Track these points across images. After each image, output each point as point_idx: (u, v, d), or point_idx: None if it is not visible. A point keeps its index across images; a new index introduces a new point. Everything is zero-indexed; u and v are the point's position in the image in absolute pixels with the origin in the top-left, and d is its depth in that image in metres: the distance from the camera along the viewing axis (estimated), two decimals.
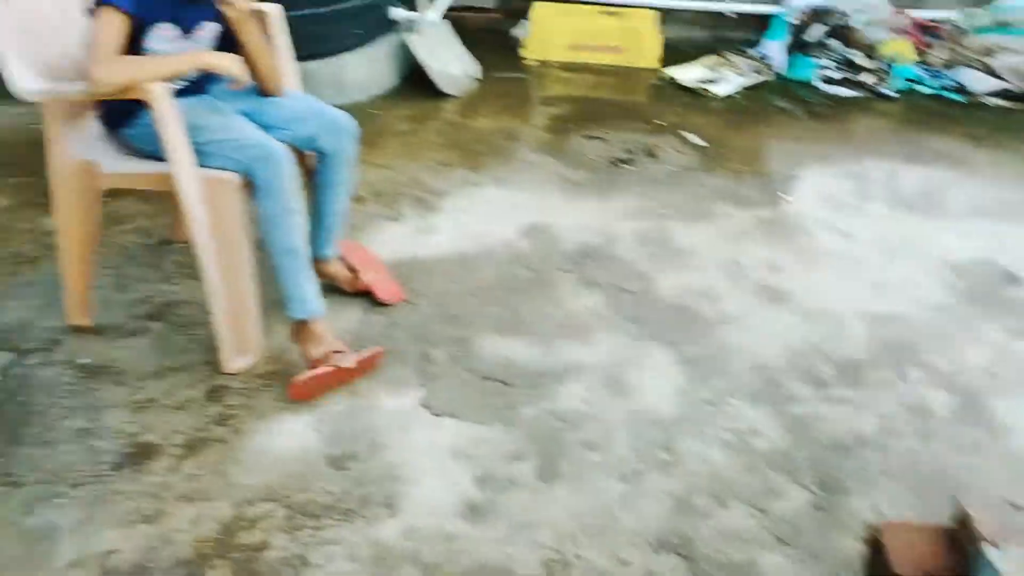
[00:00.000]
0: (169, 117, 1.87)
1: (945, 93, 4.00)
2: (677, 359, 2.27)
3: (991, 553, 1.27)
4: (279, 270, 2.05)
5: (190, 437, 1.95)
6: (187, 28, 2.00)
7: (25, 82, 1.90)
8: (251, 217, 2.03)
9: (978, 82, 3.99)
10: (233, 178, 1.95)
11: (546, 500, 1.84)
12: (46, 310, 2.29)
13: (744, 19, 4.38)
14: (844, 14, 4.11)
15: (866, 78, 4.01)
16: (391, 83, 3.77)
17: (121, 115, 2.05)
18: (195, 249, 2.01)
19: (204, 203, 1.96)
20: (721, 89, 3.92)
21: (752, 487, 1.89)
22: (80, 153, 2.06)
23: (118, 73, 1.84)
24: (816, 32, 4.09)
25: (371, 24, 3.65)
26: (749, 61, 4.14)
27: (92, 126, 2.13)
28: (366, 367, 2.13)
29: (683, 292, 2.53)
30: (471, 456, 1.94)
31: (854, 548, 1.73)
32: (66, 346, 2.19)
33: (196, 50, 2.02)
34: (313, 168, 2.19)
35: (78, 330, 2.23)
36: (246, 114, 2.09)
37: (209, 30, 2.05)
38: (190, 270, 2.36)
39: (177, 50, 2.00)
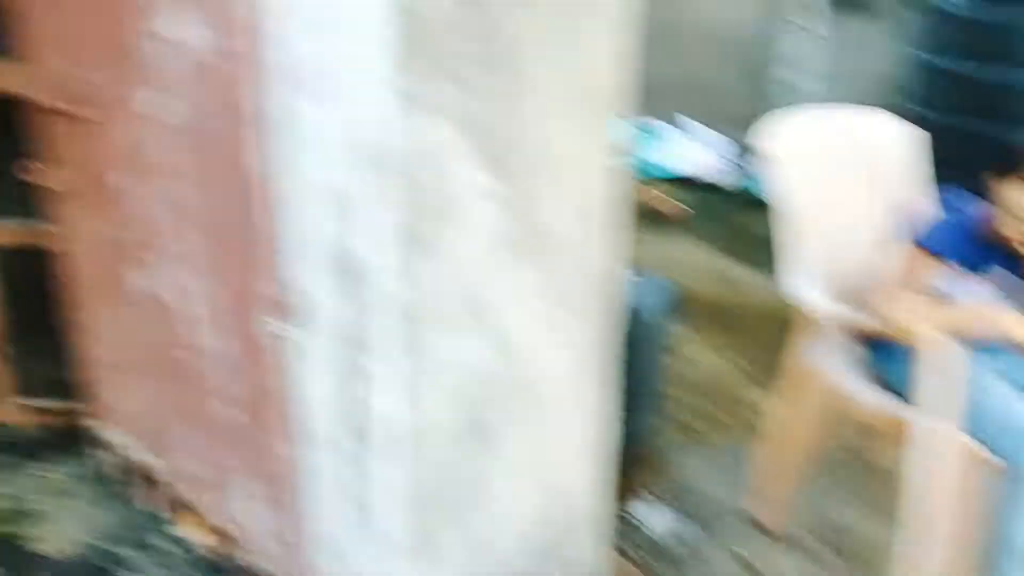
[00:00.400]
0: (938, 372, 1.71)
1: None
2: None
3: None
4: (995, 567, 1.73)
5: None
6: (977, 270, 1.83)
7: (808, 295, 1.93)
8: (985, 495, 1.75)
9: None
10: (984, 455, 1.70)
11: None
12: (728, 486, 2.31)
13: None
14: None
15: None
16: None
17: (875, 337, 1.95)
18: (902, 502, 1.81)
19: (938, 465, 1.75)
20: None
21: None
22: (817, 363, 2.02)
23: (907, 316, 1.75)
24: None
25: None
26: None
27: (837, 337, 2.09)
28: None
29: None
30: None
31: None
32: (733, 532, 2.18)
33: (989, 303, 1.82)
34: None
35: (750, 522, 2.21)
36: (1013, 380, 1.81)
37: (1004, 278, 1.84)
38: (880, 505, 2.17)
39: (962, 292, 1.83)
